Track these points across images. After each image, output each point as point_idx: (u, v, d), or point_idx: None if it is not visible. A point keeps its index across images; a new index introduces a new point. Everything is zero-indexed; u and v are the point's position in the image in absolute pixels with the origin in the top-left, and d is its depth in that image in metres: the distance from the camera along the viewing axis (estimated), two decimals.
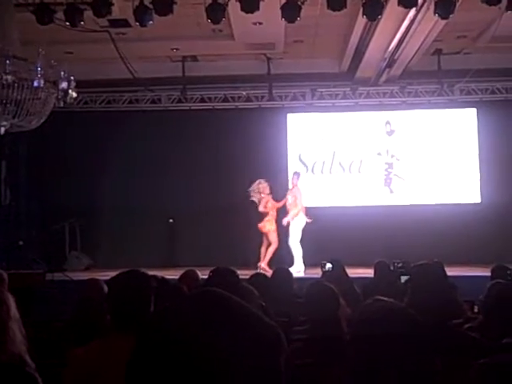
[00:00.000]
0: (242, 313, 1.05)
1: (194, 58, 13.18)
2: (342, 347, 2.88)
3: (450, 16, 8.93)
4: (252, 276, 6.02)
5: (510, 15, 8.99)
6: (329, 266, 7.07)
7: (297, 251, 11.78)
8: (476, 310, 5.53)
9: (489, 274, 6.66)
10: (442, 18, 9.14)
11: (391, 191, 13.91)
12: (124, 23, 10.58)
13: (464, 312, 4.33)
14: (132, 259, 10.59)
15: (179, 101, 13.87)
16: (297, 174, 12.55)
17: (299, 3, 8.87)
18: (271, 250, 11.95)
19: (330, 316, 3.24)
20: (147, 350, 1.01)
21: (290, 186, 12.59)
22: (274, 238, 12.01)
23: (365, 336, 2.28)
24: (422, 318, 2.37)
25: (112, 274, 3.22)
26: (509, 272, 6.17)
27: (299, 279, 7.43)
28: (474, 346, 3.16)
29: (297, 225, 11.91)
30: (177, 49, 12.37)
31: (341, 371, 2.71)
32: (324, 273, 7.32)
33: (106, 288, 4.11)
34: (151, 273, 4.07)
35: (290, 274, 6.58)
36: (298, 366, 2.90)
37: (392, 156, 14.01)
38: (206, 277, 5.69)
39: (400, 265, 7.92)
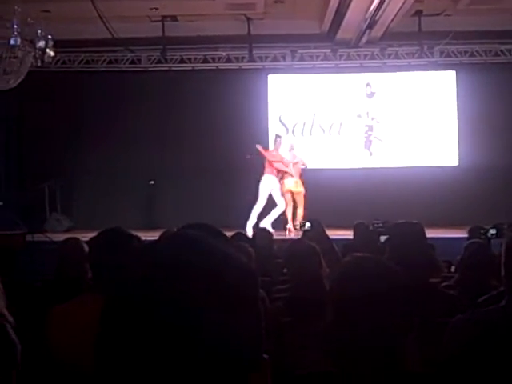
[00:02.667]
0: (216, 255, 0.99)
1: (174, 18, 13.02)
2: (323, 305, 2.93)
3: None
4: (233, 235, 6.07)
5: None
6: (308, 225, 7.13)
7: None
8: (453, 269, 5.64)
9: (464, 235, 6.78)
10: None
11: (371, 153, 13.97)
12: None
13: (441, 271, 4.41)
14: (113, 221, 10.55)
15: (159, 61, 13.72)
16: (279, 136, 12.58)
17: None
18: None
19: (313, 274, 3.28)
20: (112, 308, 0.94)
21: (272, 148, 12.60)
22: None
23: (344, 292, 2.32)
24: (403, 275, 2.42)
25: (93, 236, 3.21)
26: (483, 231, 6.27)
27: (280, 240, 7.50)
28: (451, 303, 3.23)
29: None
30: (156, 8, 12.21)
31: (321, 329, 2.76)
32: (304, 232, 7.39)
33: (86, 247, 4.12)
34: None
35: (271, 234, 6.64)
36: (280, 323, 2.95)
37: (372, 118, 14.04)
38: None
39: (379, 225, 8.00)
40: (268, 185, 12.12)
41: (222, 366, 0.93)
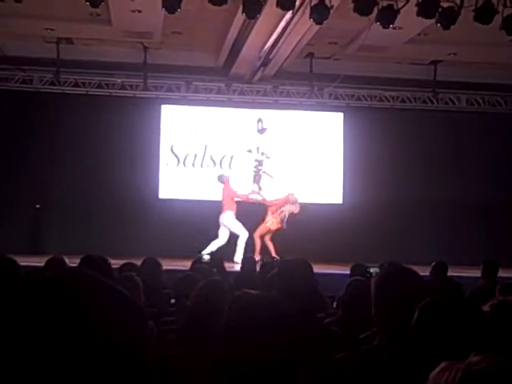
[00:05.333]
0: (112, 289, 1.05)
1: (70, 41, 12.82)
2: (214, 340, 3.00)
3: (324, 22, 9.28)
4: (122, 266, 6.02)
5: (377, 27, 9.47)
6: (207, 257, 7.18)
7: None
8: (335, 305, 5.85)
9: (347, 271, 7.01)
10: (317, 23, 9.44)
11: (260, 188, 14.21)
12: None
13: (328, 307, 4.57)
14: None
15: (52, 83, 13.43)
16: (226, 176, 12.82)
17: None
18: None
19: (215, 308, 3.27)
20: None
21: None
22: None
23: (235, 329, 2.40)
24: (289, 310, 2.53)
25: None
26: (367, 270, 6.54)
27: (170, 270, 7.49)
28: (333, 340, 3.37)
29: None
30: (51, 29, 11.97)
31: (209, 362, 2.82)
32: (194, 262, 7.39)
33: None
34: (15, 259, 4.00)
35: (159, 264, 6.62)
36: (168, 356, 2.98)
37: (262, 154, 14.32)
38: (74, 265, 5.64)
39: (268, 260, 8.19)
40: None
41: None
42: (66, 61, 12.92)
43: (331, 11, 9.04)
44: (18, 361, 0.98)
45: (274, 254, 11.95)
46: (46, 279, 1.10)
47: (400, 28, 10.33)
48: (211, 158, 14.19)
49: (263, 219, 12.55)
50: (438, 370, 1.24)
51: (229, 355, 2.40)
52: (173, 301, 5.45)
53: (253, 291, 2.61)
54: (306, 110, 14.44)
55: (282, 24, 10.21)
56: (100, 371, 0.99)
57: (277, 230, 12.44)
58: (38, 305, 1.01)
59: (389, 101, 14.50)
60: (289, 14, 9.66)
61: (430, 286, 3.95)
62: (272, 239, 12.45)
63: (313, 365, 2.73)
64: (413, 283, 2.53)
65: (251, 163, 14.26)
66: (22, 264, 4.08)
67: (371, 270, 6.39)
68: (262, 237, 12.43)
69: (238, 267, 9.22)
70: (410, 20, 9.44)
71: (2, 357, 0.98)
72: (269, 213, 12.56)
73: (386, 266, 4.93)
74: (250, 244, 12.25)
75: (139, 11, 10.42)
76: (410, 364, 2.33)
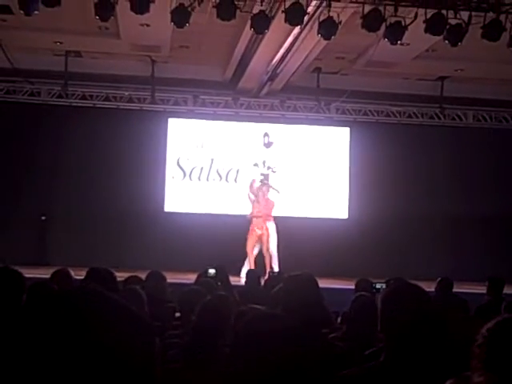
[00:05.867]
0: (120, 305, 1.05)
1: (78, 54, 12.91)
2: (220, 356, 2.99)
3: (332, 37, 9.32)
4: (127, 279, 6.02)
5: (385, 43, 9.50)
6: (212, 271, 7.15)
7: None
8: (339, 320, 5.83)
9: (352, 286, 6.98)
10: (325, 39, 9.49)
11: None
12: (5, 10, 10.20)
13: (333, 323, 4.56)
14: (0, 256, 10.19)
15: (59, 96, 13.50)
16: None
17: (189, 9, 8.94)
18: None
19: (220, 325, 3.26)
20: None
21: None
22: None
23: (240, 341, 2.40)
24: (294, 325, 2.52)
25: None
26: (373, 285, 6.51)
27: (176, 284, 7.49)
28: (339, 356, 3.35)
29: None
30: (60, 42, 12.06)
31: (215, 374, 2.81)
32: (198, 276, 7.39)
33: None
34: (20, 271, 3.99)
35: (164, 277, 6.61)
36: (173, 370, 2.97)
37: (268, 168, 14.34)
38: (79, 277, 5.65)
39: (275, 274, 8.18)
40: None
41: None
42: (74, 73, 12.98)
43: (339, 27, 9.09)
44: (26, 375, 0.98)
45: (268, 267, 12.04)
46: (53, 294, 1.10)
47: (408, 44, 10.35)
48: (217, 172, 14.21)
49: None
50: None
51: (234, 370, 2.39)
52: (178, 314, 5.44)
53: (258, 306, 2.61)
54: (312, 124, 14.46)
55: (290, 39, 10.26)
56: None
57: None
58: (45, 320, 1.01)
59: (396, 116, 14.51)
60: (297, 29, 9.72)
61: (435, 303, 3.93)
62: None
63: (317, 381, 2.72)
64: (420, 299, 2.52)
65: (257, 177, 14.26)
66: (27, 276, 4.08)
67: (377, 286, 6.36)
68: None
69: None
70: (417, 36, 9.48)
71: (11, 370, 0.98)
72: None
73: (393, 282, 4.91)
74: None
75: (147, 25, 10.48)
76: (417, 381, 2.32)
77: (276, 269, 11.62)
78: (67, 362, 0.97)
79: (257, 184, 13.16)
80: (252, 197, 12.81)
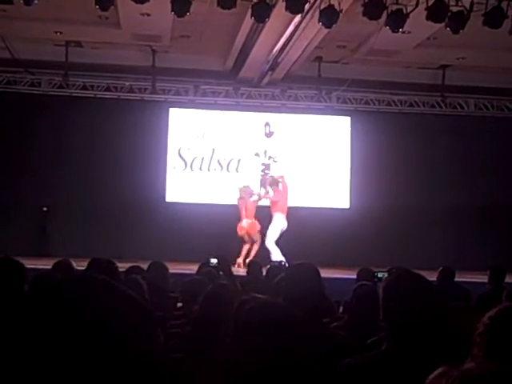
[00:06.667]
0: (123, 293, 1.07)
1: (78, 44, 12.86)
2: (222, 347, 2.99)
3: (333, 26, 9.27)
4: (128, 269, 6.03)
5: (386, 31, 9.46)
6: (214, 261, 7.16)
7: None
8: (341, 310, 5.83)
9: (353, 276, 6.98)
10: (326, 27, 9.44)
11: (267, 192, 14.18)
12: (5, 0, 10.15)
13: (334, 312, 4.56)
14: (1, 247, 10.20)
15: (60, 86, 13.46)
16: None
17: None
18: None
19: (222, 315, 3.23)
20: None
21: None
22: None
23: (242, 330, 2.40)
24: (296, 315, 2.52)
25: None
26: (375, 274, 6.52)
27: (177, 274, 7.49)
28: (340, 344, 3.35)
29: None
30: (60, 32, 12.00)
31: (216, 364, 2.81)
32: (201, 266, 7.39)
33: None
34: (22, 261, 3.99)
35: (166, 268, 6.63)
36: (175, 360, 2.97)
37: (269, 157, 14.33)
38: (81, 268, 5.65)
39: (276, 264, 8.19)
40: None
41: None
42: (74, 64, 12.94)
43: (340, 15, 9.04)
44: (29, 362, 0.98)
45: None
46: (56, 282, 1.10)
47: (409, 32, 10.30)
48: (218, 162, 14.20)
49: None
50: (435, 374, 1.24)
51: (237, 359, 2.39)
52: (179, 304, 5.45)
53: (260, 295, 2.61)
54: (313, 113, 14.43)
55: (291, 28, 10.20)
56: (109, 373, 1.00)
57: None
58: (49, 307, 1.02)
59: (397, 105, 14.48)
60: (297, 18, 9.67)
61: (437, 291, 3.93)
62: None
63: (319, 369, 2.72)
64: (421, 288, 2.52)
65: (258, 167, 14.26)
66: (28, 267, 4.08)
67: (379, 275, 6.36)
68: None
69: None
70: (419, 24, 9.43)
71: (14, 357, 0.98)
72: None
73: (395, 271, 4.91)
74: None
75: (148, 15, 10.44)
76: (419, 369, 2.31)
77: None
78: (69, 350, 0.98)
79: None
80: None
